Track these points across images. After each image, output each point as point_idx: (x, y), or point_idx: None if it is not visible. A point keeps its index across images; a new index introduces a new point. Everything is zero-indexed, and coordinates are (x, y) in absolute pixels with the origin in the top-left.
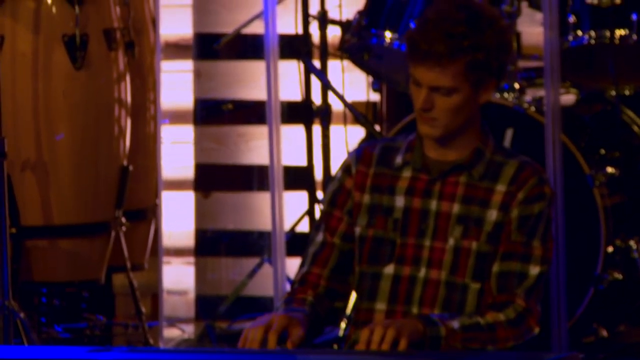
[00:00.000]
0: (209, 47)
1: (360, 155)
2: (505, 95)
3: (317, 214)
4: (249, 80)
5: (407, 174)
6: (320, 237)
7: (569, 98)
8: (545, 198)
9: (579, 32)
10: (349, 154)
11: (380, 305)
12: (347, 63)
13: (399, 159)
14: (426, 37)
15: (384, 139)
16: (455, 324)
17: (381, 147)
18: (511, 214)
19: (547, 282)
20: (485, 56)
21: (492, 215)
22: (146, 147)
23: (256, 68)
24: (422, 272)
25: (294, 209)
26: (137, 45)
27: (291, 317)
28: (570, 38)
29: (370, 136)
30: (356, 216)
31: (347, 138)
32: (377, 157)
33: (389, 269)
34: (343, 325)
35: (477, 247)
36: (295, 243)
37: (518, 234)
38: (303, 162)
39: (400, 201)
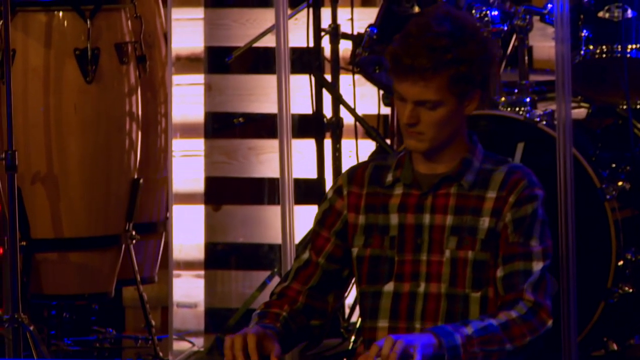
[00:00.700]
0: (221, 60)
1: (352, 176)
2: (517, 109)
3: None
4: (260, 94)
5: (398, 190)
6: (306, 254)
7: (580, 112)
8: (537, 199)
9: (591, 46)
10: (342, 174)
11: (383, 323)
12: (358, 77)
13: (389, 177)
14: (408, 52)
15: (375, 158)
16: (469, 329)
17: (372, 167)
18: (505, 218)
19: (557, 295)
20: (468, 68)
21: (485, 222)
22: (157, 161)
23: (267, 82)
24: (422, 287)
25: (305, 223)
26: (149, 59)
27: (265, 332)
28: (582, 52)
29: (381, 150)
30: (352, 237)
31: (358, 151)
32: (369, 177)
33: (389, 287)
34: (352, 338)
35: (474, 256)
36: None
37: (515, 235)
38: (314, 176)
39: (394, 219)
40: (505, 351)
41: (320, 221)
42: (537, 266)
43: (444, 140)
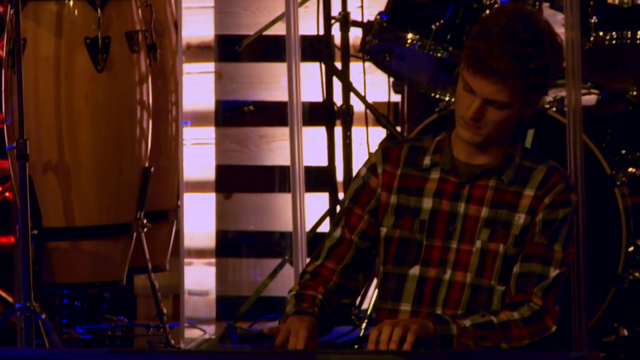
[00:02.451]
0: (231, 49)
1: (387, 154)
2: None
3: None
4: (271, 82)
5: (435, 175)
6: (338, 232)
7: (590, 98)
8: (570, 205)
9: (600, 33)
10: (375, 151)
11: (405, 307)
12: (368, 64)
13: (427, 160)
14: (493, 52)
15: (409, 139)
16: (467, 322)
17: (408, 147)
18: (536, 217)
19: (567, 281)
20: (544, 77)
21: (520, 219)
22: (168, 149)
23: (278, 69)
24: (448, 274)
25: (315, 210)
26: (159, 47)
27: (309, 329)
28: (592, 38)
29: (392, 137)
30: (382, 216)
31: (368, 139)
32: (405, 158)
33: (415, 270)
34: (364, 325)
35: (504, 250)
36: (317, 244)
37: (541, 236)
38: (324, 163)
39: (428, 203)
40: (500, 349)
41: (353, 199)
42: (554, 272)
43: (497, 137)
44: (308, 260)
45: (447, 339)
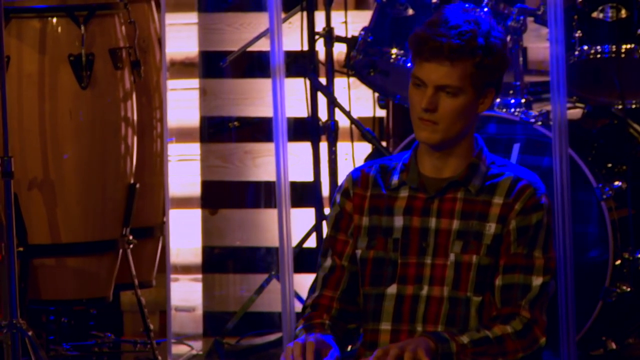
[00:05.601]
0: (215, 65)
1: (357, 177)
2: (512, 110)
3: (324, 230)
4: (255, 98)
5: (404, 193)
6: (329, 261)
7: (575, 112)
8: (542, 208)
9: (585, 47)
10: (346, 176)
11: (385, 326)
12: (353, 80)
13: (395, 179)
14: (438, 34)
15: (380, 159)
16: (465, 338)
17: (377, 168)
18: (509, 225)
19: (555, 295)
20: (492, 60)
21: (491, 228)
22: (153, 165)
23: (262, 85)
24: (425, 290)
25: (301, 225)
26: (143, 64)
27: (325, 342)
28: (576, 52)
29: (377, 152)
30: (356, 239)
31: (354, 154)
32: (374, 179)
33: (392, 289)
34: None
35: (478, 261)
36: (303, 259)
37: (518, 245)
38: (310, 179)
39: (399, 221)
40: None
41: (334, 226)
42: (537, 281)
43: (455, 134)
44: (295, 276)
45: (448, 357)
